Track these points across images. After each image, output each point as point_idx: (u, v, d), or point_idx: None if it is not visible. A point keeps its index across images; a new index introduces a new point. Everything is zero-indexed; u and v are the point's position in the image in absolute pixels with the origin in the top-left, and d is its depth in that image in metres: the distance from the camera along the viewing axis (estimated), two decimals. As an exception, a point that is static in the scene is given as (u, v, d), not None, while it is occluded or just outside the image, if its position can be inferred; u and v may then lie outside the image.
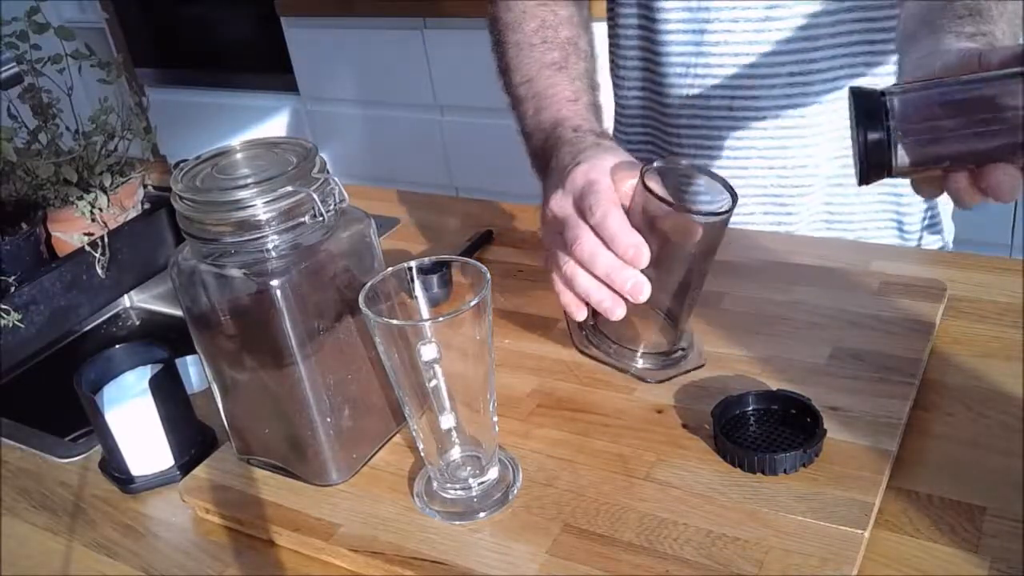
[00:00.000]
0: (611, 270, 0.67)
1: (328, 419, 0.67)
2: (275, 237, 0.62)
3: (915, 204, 1.02)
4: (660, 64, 1.00)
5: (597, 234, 0.67)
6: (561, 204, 0.72)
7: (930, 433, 0.67)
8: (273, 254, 0.62)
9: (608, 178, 0.69)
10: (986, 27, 0.64)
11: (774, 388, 0.70)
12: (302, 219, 0.63)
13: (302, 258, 0.63)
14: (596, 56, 0.94)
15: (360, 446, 0.70)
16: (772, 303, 0.81)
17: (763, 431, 0.67)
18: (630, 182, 0.69)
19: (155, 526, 0.71)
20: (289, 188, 0.62)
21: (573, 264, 0.69)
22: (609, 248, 0.67)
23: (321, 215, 0.63)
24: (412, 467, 0.69)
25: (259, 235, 0.62)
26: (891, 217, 1.02)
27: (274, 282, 0.62)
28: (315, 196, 0.62)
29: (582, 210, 0.69)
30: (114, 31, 2.91)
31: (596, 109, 0.86)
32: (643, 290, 0.67)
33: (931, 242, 1.05)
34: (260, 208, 0.61)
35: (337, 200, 0.64)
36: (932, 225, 1.05)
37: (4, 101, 1.06)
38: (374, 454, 0.71)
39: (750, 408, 0.69)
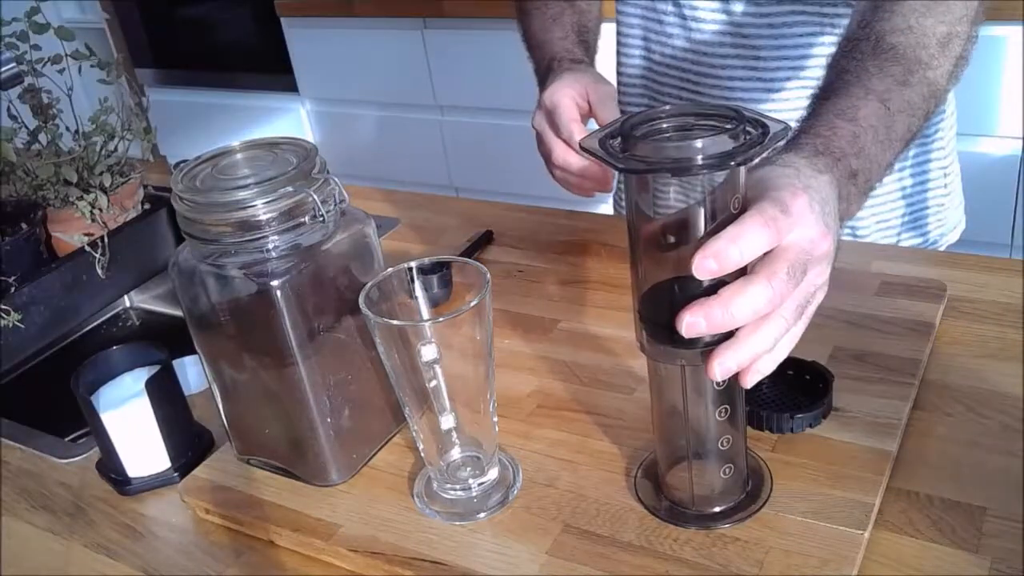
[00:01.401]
0: (583, 170, 0.87)
1: (328, 419, 0.67)
2: (275, 237, 0.62)
3: (874, 206, 1.02)
4: (658, 64, 1.01)
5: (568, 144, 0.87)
6: (538, 120, 0.91)
7: (930, 433, 0.67)
8: (273, 254, 0.62)
9: (567, 99, 0.88)
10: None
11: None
12: (302, 219, 0.63)
13: (302, 258, 0.63)
14: (600, 13, 1.07)
15: (360, 446, 0.70)
16: (772, 303, 0.81)
17: (774, 394, 0.70)
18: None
19: (155, 527, 0.71)
20: (289, 188, 0.62)
21: (560, 171, 0.90)
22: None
23: (321, 215, 0.63)
24: (412, 467, 0.69)
25: (259, 235, 0.62)
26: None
27: (274, 282, 0.62)
28: (315, 196, 0.62)
29: (553, 126, 0.88)
30: (114, 31, 2.91)
31: (583, 44, 1.00)
32: (611, 181, 0.88)
33: (908, 238, 1.05)
34: (260, 208, 0.61)
35: (337, 200, 0.64)
36: (913, 222, 1.05)
37: (4, 101, 1.06)
38: (374, 454, 0.71)
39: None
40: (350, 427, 0.68)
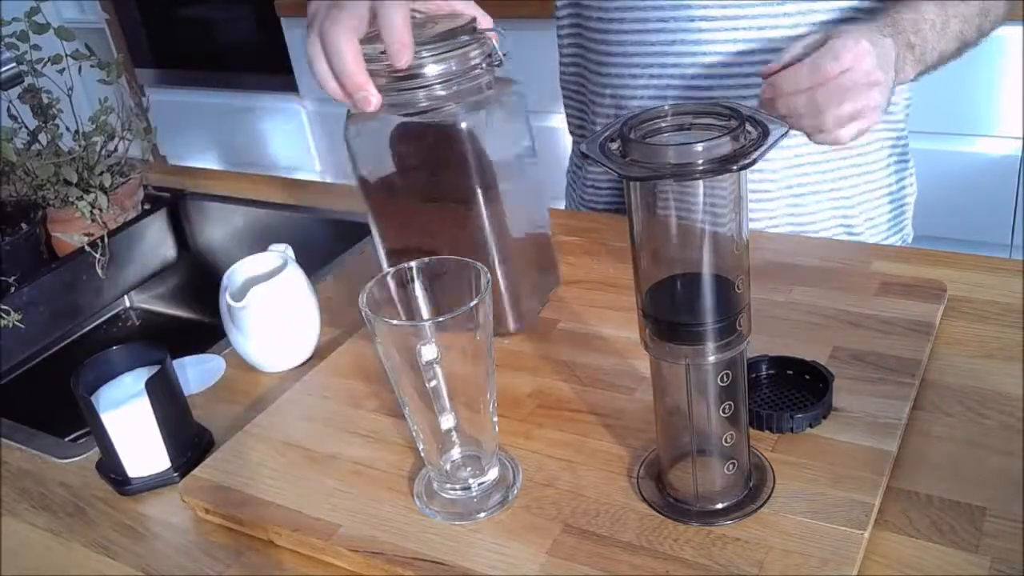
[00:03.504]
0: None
1: (505, 265, 0.76)
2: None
3: (858, 204, 1.04)
4: (604, 64, 1.01)
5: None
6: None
7: (930, 433, 0.67)
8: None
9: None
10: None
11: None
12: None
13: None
14: None
15: (529, 299, 0.80)
16: (772, 303, 0.81)
17: (774, 394, 0.70)
18: None
19: (155, 526, 0.71)
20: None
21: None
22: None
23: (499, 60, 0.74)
24: (412, 467, 0.70)
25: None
26: (839, 222, 1.03)
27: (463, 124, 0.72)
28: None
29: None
30: (114, 31, 2.91)
31: None
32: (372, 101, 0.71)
33: (887, 237, 1.07)
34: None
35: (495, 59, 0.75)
36: (893, 223, 1.07)
37: (4, 101, 1.06)
38: (540, 311, 0.80)
39: (763, 373, 0.72)
40: (517, 280, 0.78)
